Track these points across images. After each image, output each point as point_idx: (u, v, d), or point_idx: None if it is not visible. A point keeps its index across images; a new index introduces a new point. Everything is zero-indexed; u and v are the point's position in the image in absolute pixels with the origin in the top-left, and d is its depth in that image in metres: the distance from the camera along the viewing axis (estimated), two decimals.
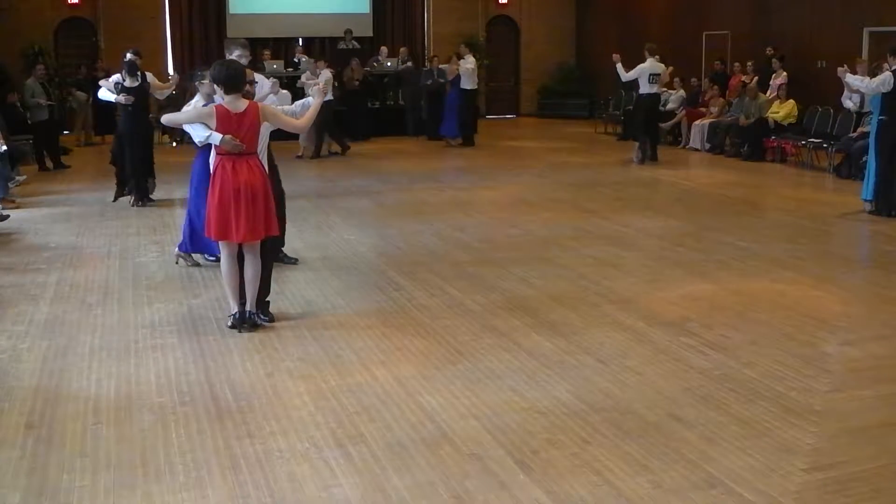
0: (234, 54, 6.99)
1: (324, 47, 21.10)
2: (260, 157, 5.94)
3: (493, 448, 4.24)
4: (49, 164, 14.41)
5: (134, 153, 10.75)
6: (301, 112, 6.43)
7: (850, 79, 10.14)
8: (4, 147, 11.22)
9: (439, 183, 12.65)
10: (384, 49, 19.83)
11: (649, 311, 6.42)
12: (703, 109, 16.45)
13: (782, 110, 14.42)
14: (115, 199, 11.07)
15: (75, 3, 19.39)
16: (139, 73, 10.80)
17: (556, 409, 4.69)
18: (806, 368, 5.25)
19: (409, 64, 19.17)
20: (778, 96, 14.75)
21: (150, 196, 11.12)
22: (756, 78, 15.54)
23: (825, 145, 13.48)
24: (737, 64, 16.84)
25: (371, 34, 21.31)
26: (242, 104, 5.72)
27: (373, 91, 19.35)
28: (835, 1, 15.31)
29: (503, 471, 4.02)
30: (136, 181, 10.88)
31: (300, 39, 20.69)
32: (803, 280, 7.22)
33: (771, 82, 15.31)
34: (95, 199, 11.43)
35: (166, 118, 6.12)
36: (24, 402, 4.89)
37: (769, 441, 4.29)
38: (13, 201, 11.10)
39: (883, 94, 9.70)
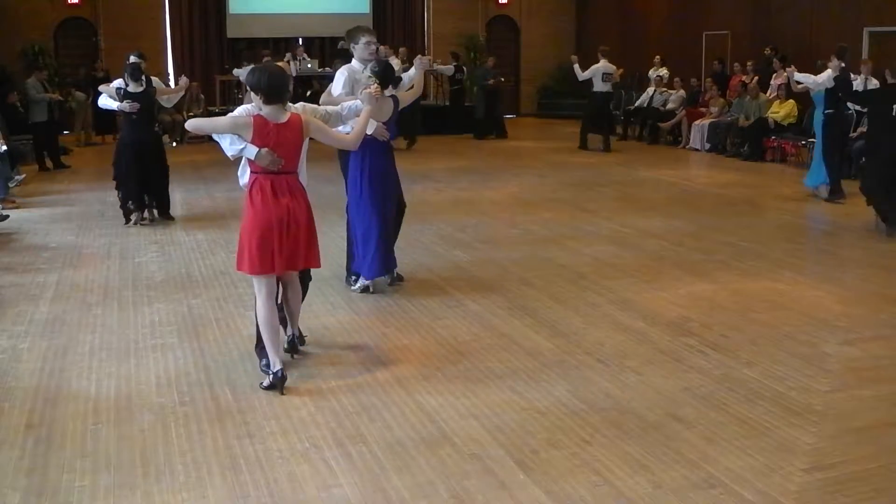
0: (362, 42, 6.64)
1: (324, 47, 21.12)
2: (299, 176, 5.19)
3: (493, 448, 4.24)
4: (49, 164, 14.42)
5: (139, 167, 9.58)
6: (348, 117, 5.80)
7: (798, 76, 11.11)
8: (4, 147, 11.23)
9: (439, 183, 12.64)
10: (383, 49, 19.81)
11: (649, 311, 6.42)
12: (703, 109, 16.46)
13: (782, 110, 14.43)
14: (128, 221, 9.78)
15: (75, 3, 19.40)
16: (143, 77, 9.63)
17: (556, 409, 4.69)
18: (806, 368, 5.26)
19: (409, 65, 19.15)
20: (778, 96, 14.76)
21: (169, 213, 10.14)
22: (756, 78, 15.54)
23: None
24: (736, 64, 16.86)
25: None
26: (284, 115, 4.96)
27: None
28: (835, 1, 15.31)
29: (503, 471, 4.02)
30: (138, 197, 9.77)
31: (300, 39, 20.70)
32: (803, 280, 7.22)
33: (771, 82, 15.31)
34: (95, 199, 11.43)
35: (192, 124, 5.23)
36: (24, 402, 4.89)
37: (769, 441, 4.29)
38: (13, 201, 11.10)
39: (827, 89, 10.58)
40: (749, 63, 16.10)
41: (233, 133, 4.92)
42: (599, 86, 15.99)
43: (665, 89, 17.57)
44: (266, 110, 4.92)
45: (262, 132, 4.88)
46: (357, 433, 4.42)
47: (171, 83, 18.63)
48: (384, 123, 6.57)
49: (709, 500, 3.75)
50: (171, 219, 10.05)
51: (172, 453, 4.24)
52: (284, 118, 4.94)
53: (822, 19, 15.57)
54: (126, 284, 7.35)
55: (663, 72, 17.96)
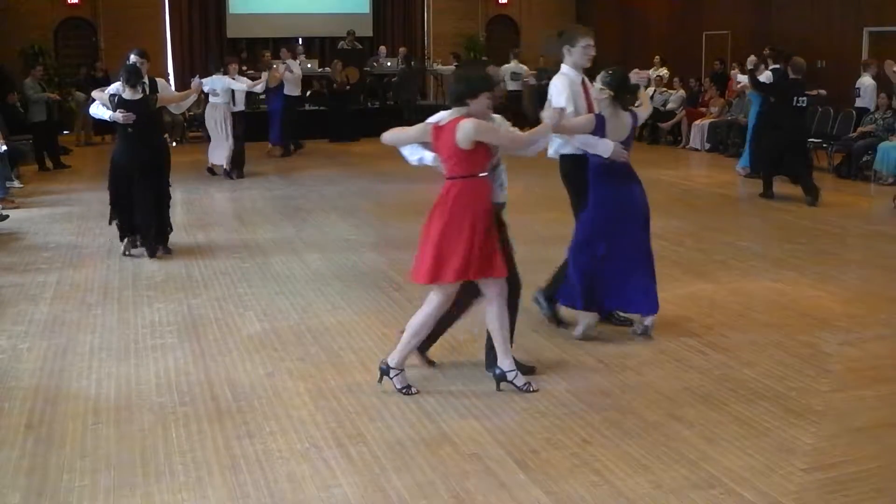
0: (580, 45, 5.72)
1: (324, 47, 21.13)
2: (493, 182, 5.09)
3: (493, 448, 4.24)
4: (49, 164, 14.42)
5: (133, 190, 8.01)
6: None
7: (740, 77, 13.09)
8: (4, 147, 11.23)
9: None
10: (383, 49, 19.84)
11: None
12: (703, 109, 16.45)
13: None
14: (126, 250, 8.27)
15: (75, 3, 19.40)
16: (144, 81, 8.08)
17: (556, 409, 4.69)
18: (806, 368, 5.25)
19: (404, 66, 19.04)
20: None
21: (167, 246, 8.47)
22: None
23: (825, 145, 13.48)
24: (735, 64, 16.86)
25: (371, 34, 21.33)
26: (448, 118, 4.76)
27: (373, 91, 19.37)
28: (835, 1, 15.32)
29: (503, 471, 4.02)
30: (141, 227, 8.18)
31: (300, 39, 20.71)
32: (803, 280, 7.22)
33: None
34: (95, 199, 11.39)
35: (389, 138, 5.03)
36: (24, 402, 4.89)
37: (769, 441, 4.29)
38: (13, 201, 11.10)
39: (764, 87, 11.52)
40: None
41: (422, 140, 4.89)
42: (509, 84, 17.24)
43: (665, 89, 17.56)
44: (447, 113, 4.82)
45: (434, 135, 4.83)
46: (357, 433, 4.42)
47: (171, 84, 18.64)
48: (623, 143, 5.63)
49: (709, 500, 3.75)
50: (168, 251, 8.38)
51: (172, 453, 4.24)
52: (445, 121, 4.77)
53: (822, 19, 15.57)
54: (126, 284, 7.35)
55: (663, 72, 17.96)
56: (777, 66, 11.68)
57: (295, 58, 17.25)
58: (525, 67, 17.67)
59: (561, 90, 5.69)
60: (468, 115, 4.72)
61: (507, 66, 17.58)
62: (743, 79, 12.67)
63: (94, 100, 8.24)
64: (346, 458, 4.16)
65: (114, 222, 8.28)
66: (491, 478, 3.96)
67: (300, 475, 4.00)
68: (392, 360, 4.93)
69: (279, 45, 20.42)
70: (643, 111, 5.95)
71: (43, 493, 3.89)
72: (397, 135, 5.07)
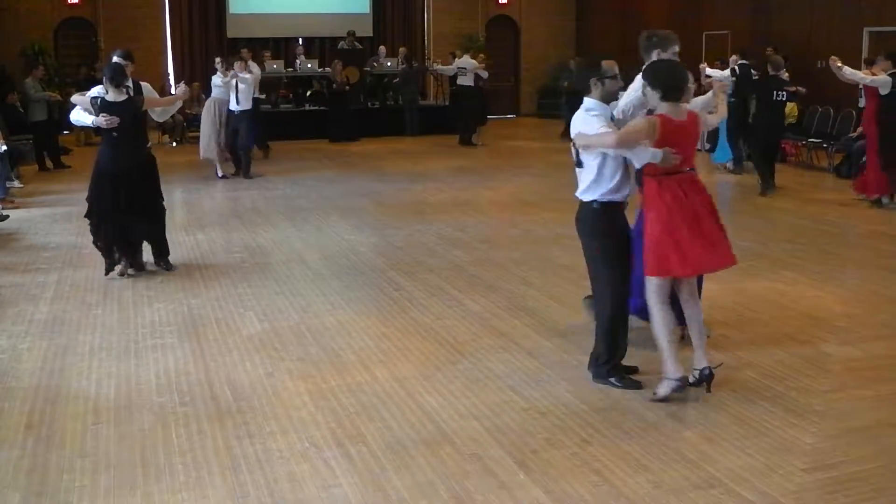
0: (671, 51, 5.33)
1: (324, 47, 21.14)
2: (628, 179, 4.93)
3: (493, 448, 4.24)
4: (49, 164, 14.42)
5: (120, 202, 7.23)
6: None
7: (709, 71, 12.81)
8: (4, 147, 11.23)
9: (439, 183, 12.64)
10: (383, 49, 19.84)
11: None
12: None
13: None
14: (109, 271, 7.46)
15: (75, 3, 19.41)
16: (128, 83, 7.29)
17: (556, 409, 4.69)
18: (806, 368, 5.26)
19: (405, 66, 19.01)
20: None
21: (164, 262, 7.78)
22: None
23: (825, 145, 13.49)
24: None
25: (371, 34, 21.34)
26: (684, 111, 4.76)
27: (373, 91, 19.37)
28: (835, 1, 15.31)
29: (503, 471, 4.02)
30: (122, 242, 7.43)
31: (300, 39, 20.73)
32: (803, 280, 7.22)
33: None
34: None
35: (624, 140, 4.66)
36: (24, 402, 4.90)
37: (769, 441, 4.29)
38: (13, 201, 11.10)
39: (733, 82, 12.40)
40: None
41: (648, 137, 4.65)
42: (462, 80, 17.23)
43: None
44: (666, 107, 4.72)
45: (668, 131, 4.66)
46: (357, 433, 4.42)
47: (172, 84, 18.62)
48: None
49: (709, 500, 3.75)
50: (172, 267, 7.74)
51: (172, 453, 4.24)
52: (685, 115, 4.76)
53: (822, 19, 15.57)
54: (126, 284, 7.35)
55: None
56: (744, 62, 12.60)
57: (257, 59, 16.27)
58: (474, 62, 17.07)
59: (630, 95, 5.29)
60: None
61: (458, 61, 17.47)
62: (713, 72, 12.56)
63: (74, 105, 7.49)
64: (346, 458, 4.16)
65: (94, 242, 7.49)
66: (491, 478, 3.96)
67: (300, 475, 4.00)
68: (703, 362, 4.86)
69: (279, 45, 20.51)
70: (715, 119, 5.54)
71: (43, 493, 3.89)
72: (630, 135, 4.70)
